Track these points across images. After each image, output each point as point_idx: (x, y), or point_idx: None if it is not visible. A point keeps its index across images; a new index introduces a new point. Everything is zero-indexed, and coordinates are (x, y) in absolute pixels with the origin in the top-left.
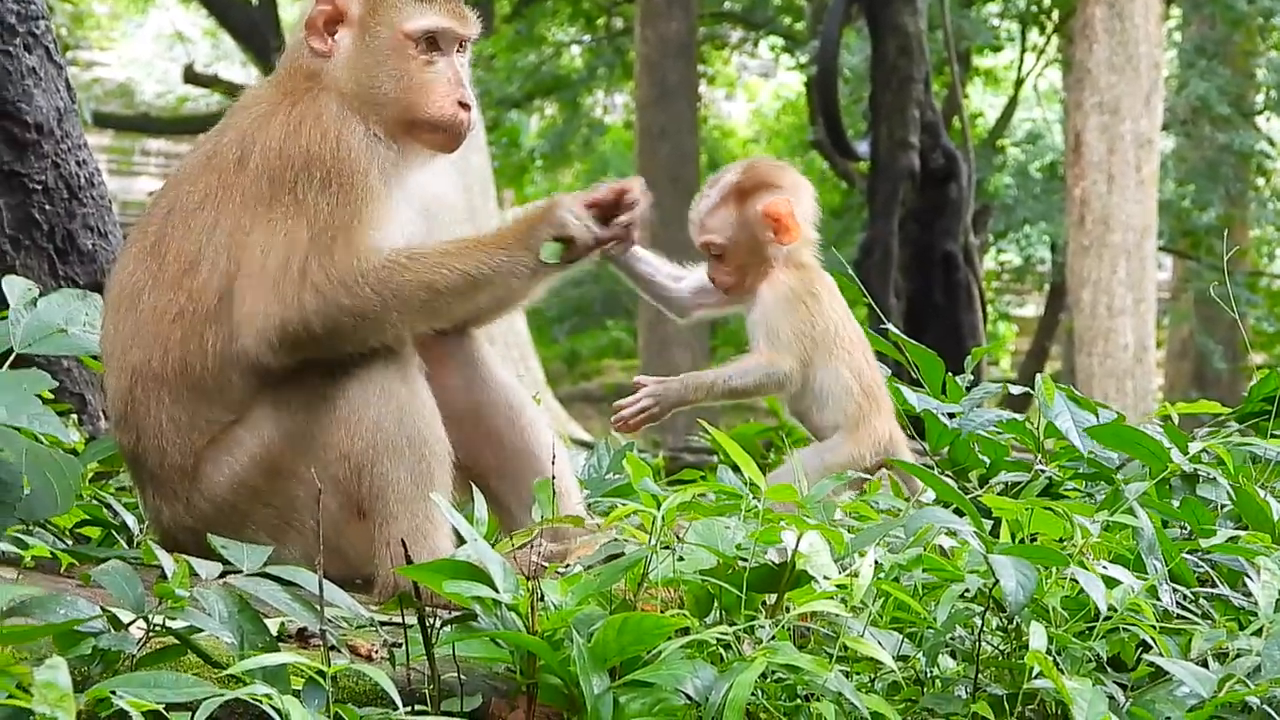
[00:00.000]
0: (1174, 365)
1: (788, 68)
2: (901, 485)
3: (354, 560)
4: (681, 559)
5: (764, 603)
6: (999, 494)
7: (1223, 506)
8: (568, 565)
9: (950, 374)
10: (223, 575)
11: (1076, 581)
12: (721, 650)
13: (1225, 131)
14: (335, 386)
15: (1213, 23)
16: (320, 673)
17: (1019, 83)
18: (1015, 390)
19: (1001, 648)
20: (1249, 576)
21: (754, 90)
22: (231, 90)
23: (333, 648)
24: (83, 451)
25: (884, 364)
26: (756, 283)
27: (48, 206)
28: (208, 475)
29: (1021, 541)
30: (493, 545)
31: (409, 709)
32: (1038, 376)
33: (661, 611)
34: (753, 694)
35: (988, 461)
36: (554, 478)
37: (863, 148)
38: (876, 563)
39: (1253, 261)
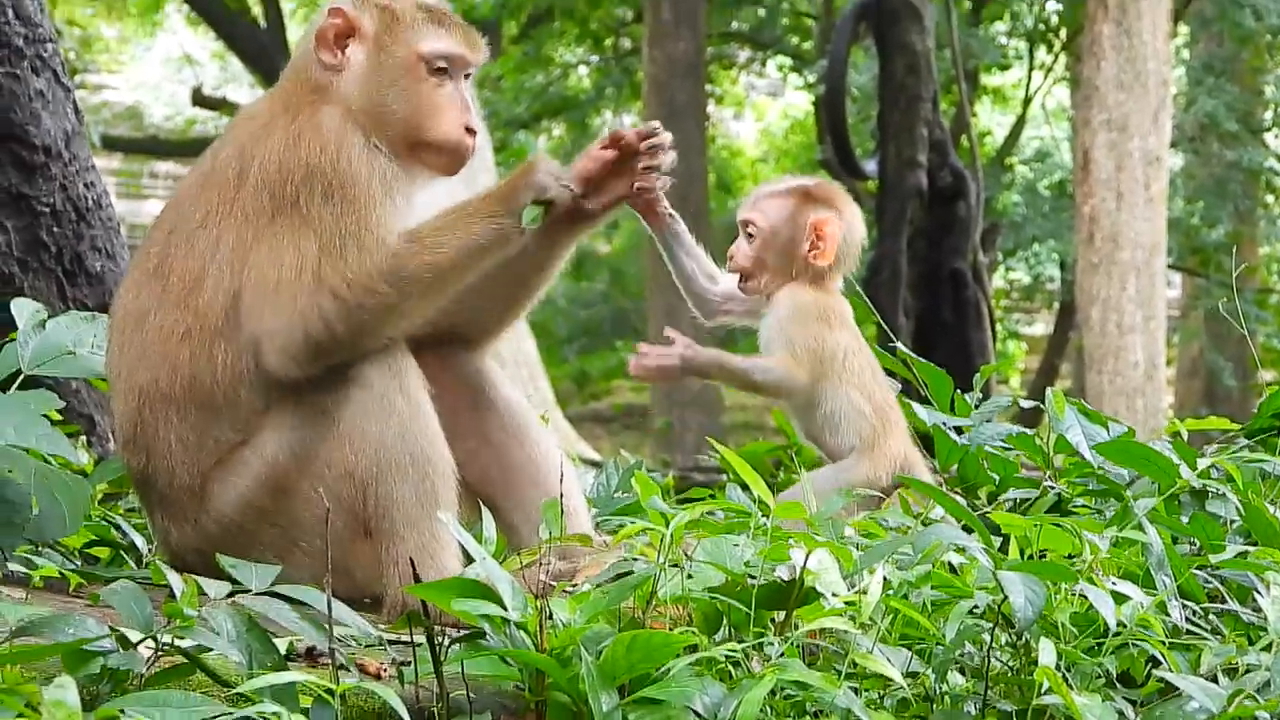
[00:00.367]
0: (1184, 383)
1: (796, 87)
2: (912, 504)
3: (361, 579)
4: (690, 576)
5: (773, 620)
6: (1008, 510)
7: (1232, 522)
8: (576, 583)
9: (959, 392)
10: (231, 594)
11: (1085, 597)
12: (730, 667)
13: (1234, 148)
14: (336, 402)
15: (1221, 40)
16: (329, 691)
17: (1027, 101)
18: (1025, 405)
19: (1011, 664)
20: (1258, 592)
21: (762, 110)
22: None
23: (341, 666)
24: (91, 472)
25: (893, 381)
26: (774, 289)
27: (56, 229)
28: (215, 496)
29: (1030, 558)
30: (501, 564)
31: None
32: (1048, 390)
33: (670, 629)
34: (762, 711)
35: (997, 478)
36: (562, 496)
37: (871, 166)
38: (885, 579)
39: (1262, 279)
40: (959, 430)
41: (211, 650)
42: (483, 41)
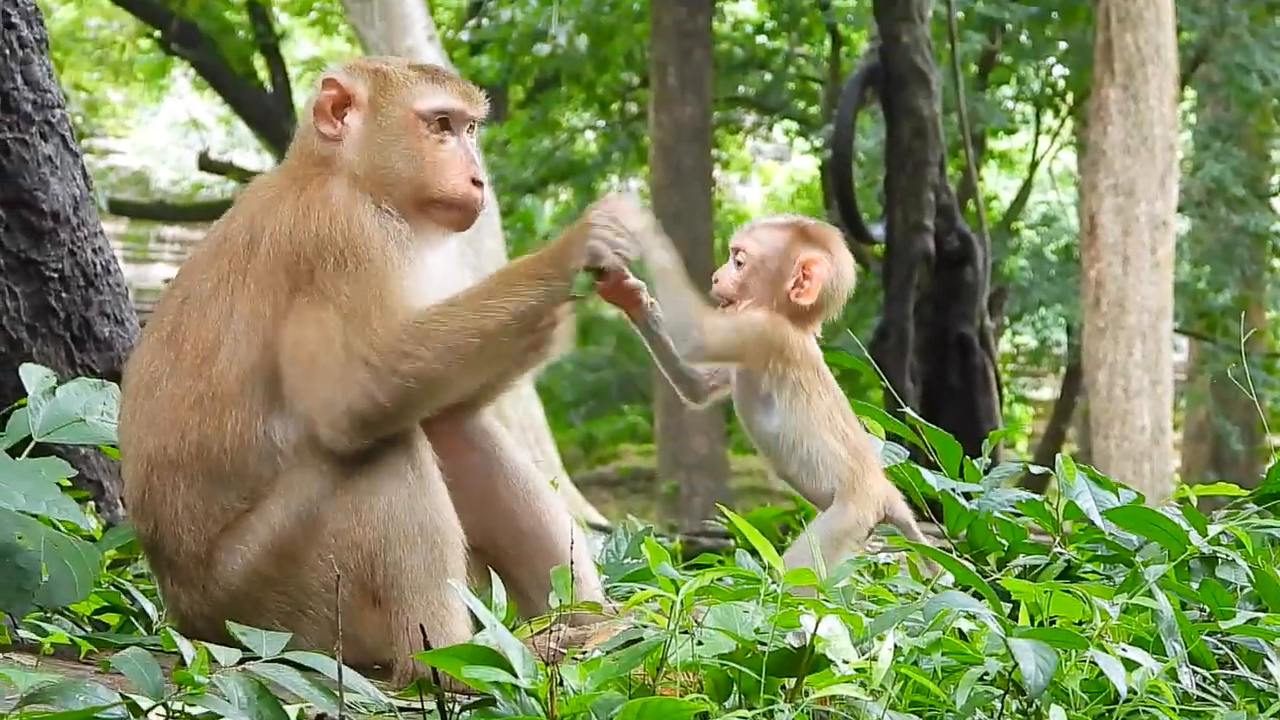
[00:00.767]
0: (1191, 447)
1: (802, 151)
2: (920, 569)
3: (370, 646)
4: (700, 643)
5: (783, 686)
6: (1017, 576)
7: (1242, 588)
8: (586, 650)
9: (967, 457)
10: (241, 661)
11: (1096, 664)
12: None
13: (1240, 213)
14: (344, 474)
15: (1227, 105)
16: None
17: (1034, 165)
18: (1035, 470)
19: None
20: (1269, 658)
21: (768, 174)
22: (245, 177)
23: None
24: (101, 538)
25: (899, 447)
26: None
27: (64, 294)
28: (222, 563)
29: (1040, 624)
30: (511, 631)
31: None
32: (1058, 456)
33: (681, 696)
34: None
35: (1006, 544)
36: (571, 563)
37: (878, 231)
38: (896, 646)
39: (1269, 343)
40: (968, 496)
41: (223, 718)
42: (480, 94)
